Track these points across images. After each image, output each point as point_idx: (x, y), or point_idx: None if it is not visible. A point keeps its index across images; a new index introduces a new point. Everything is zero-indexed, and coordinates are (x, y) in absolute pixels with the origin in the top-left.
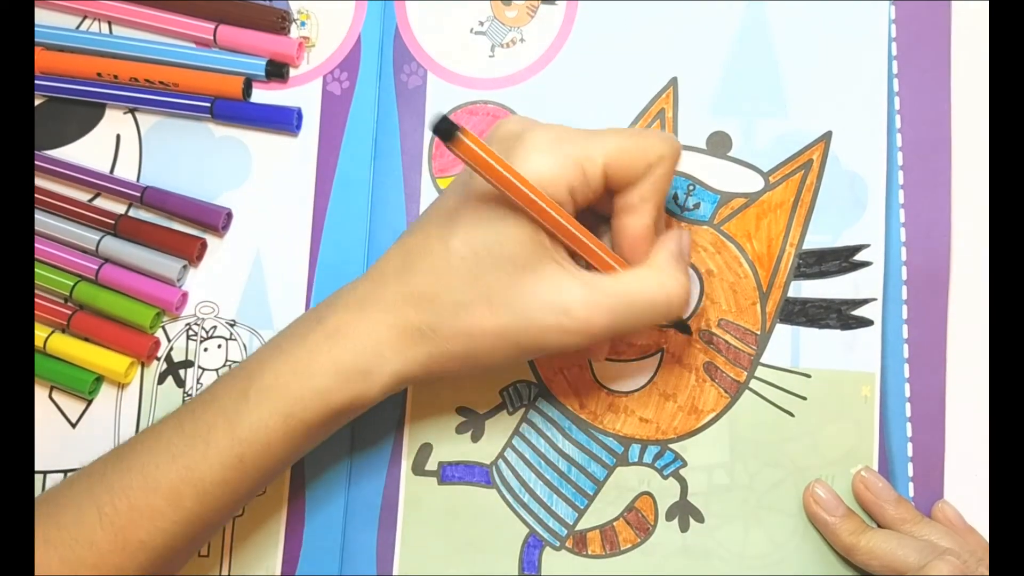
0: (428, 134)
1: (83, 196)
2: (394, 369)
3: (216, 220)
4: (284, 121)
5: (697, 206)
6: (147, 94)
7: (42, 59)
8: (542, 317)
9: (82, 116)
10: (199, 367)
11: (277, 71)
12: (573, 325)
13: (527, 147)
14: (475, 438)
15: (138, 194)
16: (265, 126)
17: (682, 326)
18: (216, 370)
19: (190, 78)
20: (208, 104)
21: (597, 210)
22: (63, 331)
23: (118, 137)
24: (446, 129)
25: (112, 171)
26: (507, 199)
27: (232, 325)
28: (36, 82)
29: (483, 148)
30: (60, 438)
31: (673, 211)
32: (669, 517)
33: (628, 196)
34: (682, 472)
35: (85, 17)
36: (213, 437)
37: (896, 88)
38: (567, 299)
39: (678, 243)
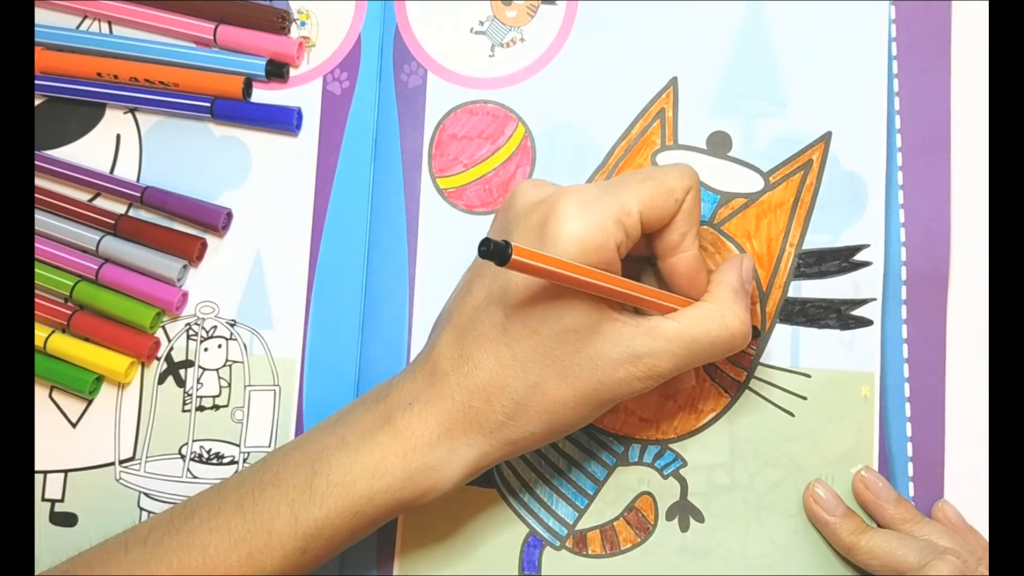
0: (428, 134)
1: (83, 196)
2: (468, 462)
3: (216, 220)
4: (284, 121)
5: None
6: (147, 94)
7: (42, 59)
8: (614, 373)
9: (82, 116)
10: (199, 367)
11: (277, 71)
12: (642, 372)
13: (563, 217)
14: None
15: (138, 194)
16: (265, 126)
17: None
18: (216, 370)
19: (190, 78)
20: (208, 104)
21: (632, 253)
22: (63, 331)
23: (118, 137)
24: (499, 254)
25: (112, 171)
26: None
27: (232, 325)
28: (36, 82)
29: (539, 259)
30: (60, 438)
31: None
32: (669, 517)
33: (668, 236)
34: (682, 472)
35: (85, 17)
36: (276, 527)
37: (896, 88)
38: (633, 352)
39: (738, 274)
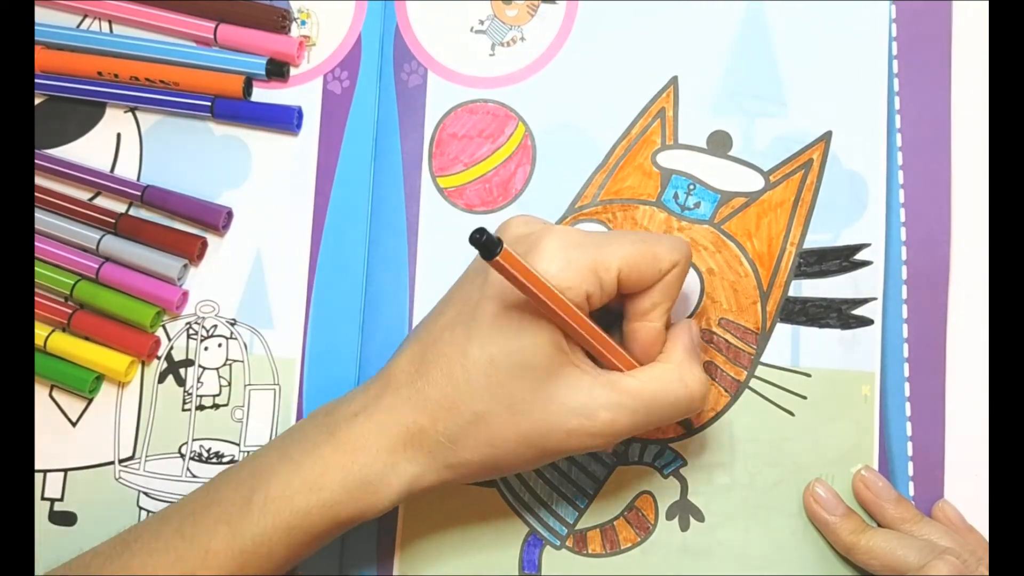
0: (428, 133)
1: (83, 195)
2: (406, 481)
3: (216, 219)
4: (284, 120)
5: (697, 205)
6: (147, 93)
7: (42, 58)
8: (566, 421)
9: (82, 115)
10: (199, 366)
11: (277, 70)
12: (597, 428)
13: (543, 253)
14: None
15: (138, 193)
16: (265, 125)
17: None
18: (216, 369)
19: (190, 77)
20: (208, 103)
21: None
22: (63, 330)
23: (118, 136)
24: (489, 246)
25: (112, 170)
26: (529, 306)
27: (233, 324)
28: (36, 81)
29: (522, 268)
30: (60, 437)
31: (673, 210)
32: (669, 516)
33: (641, 302)
34: (682, 471)
35: (85, 16)
36: (213, 546)
37: (896, 88)
38: (590, 403)
39: (689, 335)
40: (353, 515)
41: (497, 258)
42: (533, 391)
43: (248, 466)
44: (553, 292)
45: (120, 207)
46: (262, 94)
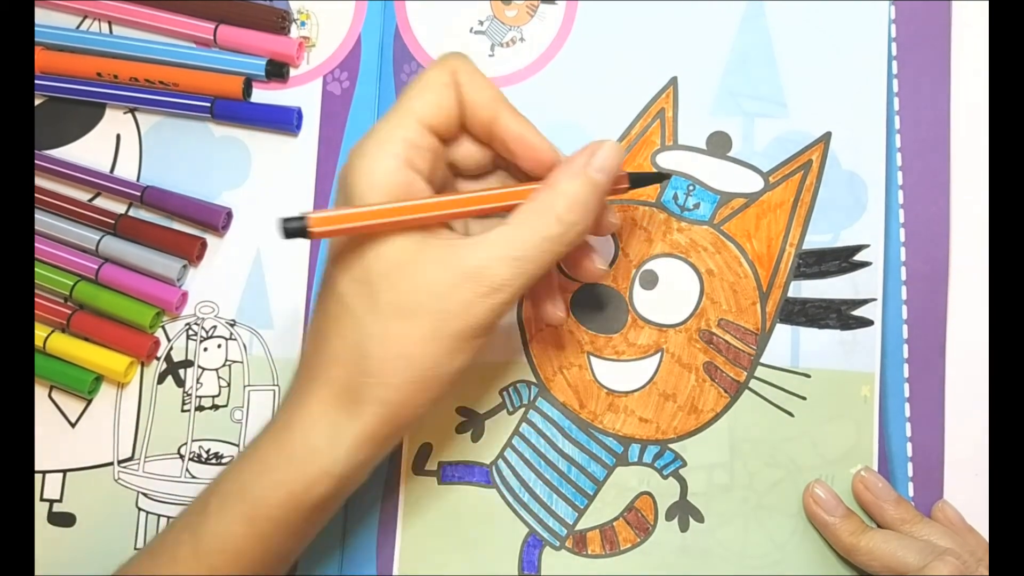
0: None
1: (83, 196)
2: (350, 436)
3: (216, 219)
4: (284, 121)
5: (697, 206)
6: (147, 94)
7: (42, 59)
8: (454, 296)
9: (82, 116)
10: (199, 367)
11: (277, 71)
12: (484, 288)
13: (352, 173)
14: (475, 438)
15: (138, 194)
16: (265, 126)
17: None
18: (216, 370)
19: (190, 78)
20: (208, 104)
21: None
22: (63, 331)
23: (118, 137)
24: (296, 229)
25: (112, 171)
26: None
27: (232, 325)
28: (36, 82)
29: (338, 218)
30: (60, 438)
31: (673, 211)
32: (669, 517)
33: (477, 118)
34: (682, 472)
35: (85, 17)
36: (180, 554)
37: (896, 88)
38: (466, 267)
39: (586, 155)
40: (309, 486)
41: (311, 230)
42: (411, 286)
43: (208, 484)
44: (384, 207)
45: (120, 208)
46: (262, 95)
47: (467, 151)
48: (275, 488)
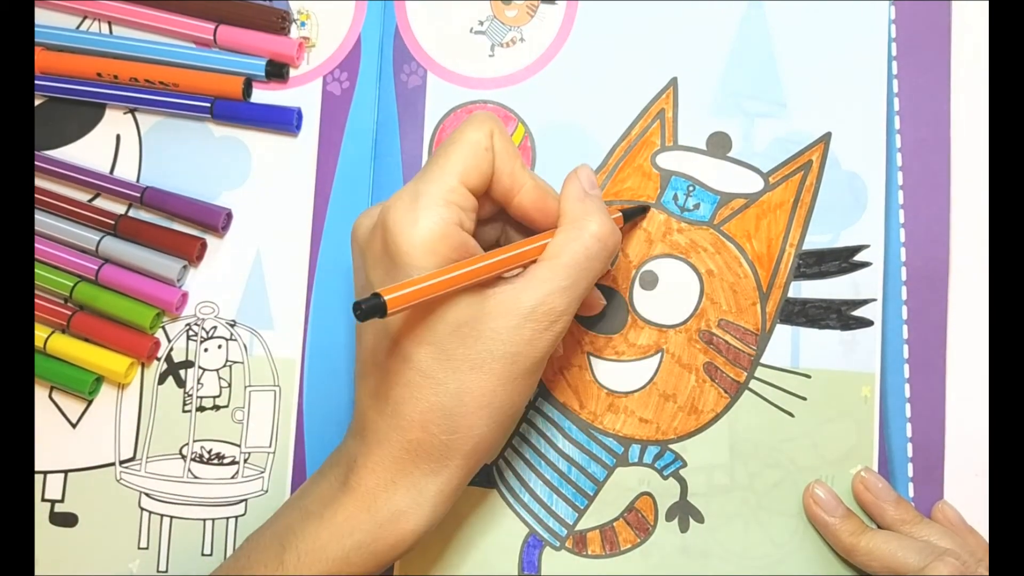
0: (428, 134)
1: (83, 196)
2: (432, 495)
3: (216, 220)
4: (284, 121)
5: (697, 207)
6: (147, 94)
7: (42, 59)
8: (519, 337)
9: (82, 116)
10: (199, 367)
11: (277, 71)
12: (544, 322)
13: (395, 231)
14: None
15: (138, 194)
16: (265, 126)
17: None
18: (216, 370)
19: (190, 78)
20: (208, 104)
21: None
22: (63, 331)
23: (118, 137)
24: (376, 309)
25: (112, 171)
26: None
27: (232, 325)
28: (36, 82)
29: (411, 294)
30: (60, 438)
31: (673, 212)
32: (669, 517)
33: (500, 184)
34: (682, 472)
35: (85, 17)
36: None
37: (896, 88)
38: (524, 308)
39: (577, 185)
40: (391, 547)
41: (390, 306)
42: (479, 339)
43: (270, 530)
44: (445, 275)
45: (120, 208)
46: (262, 95)
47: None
48: (358, 551)
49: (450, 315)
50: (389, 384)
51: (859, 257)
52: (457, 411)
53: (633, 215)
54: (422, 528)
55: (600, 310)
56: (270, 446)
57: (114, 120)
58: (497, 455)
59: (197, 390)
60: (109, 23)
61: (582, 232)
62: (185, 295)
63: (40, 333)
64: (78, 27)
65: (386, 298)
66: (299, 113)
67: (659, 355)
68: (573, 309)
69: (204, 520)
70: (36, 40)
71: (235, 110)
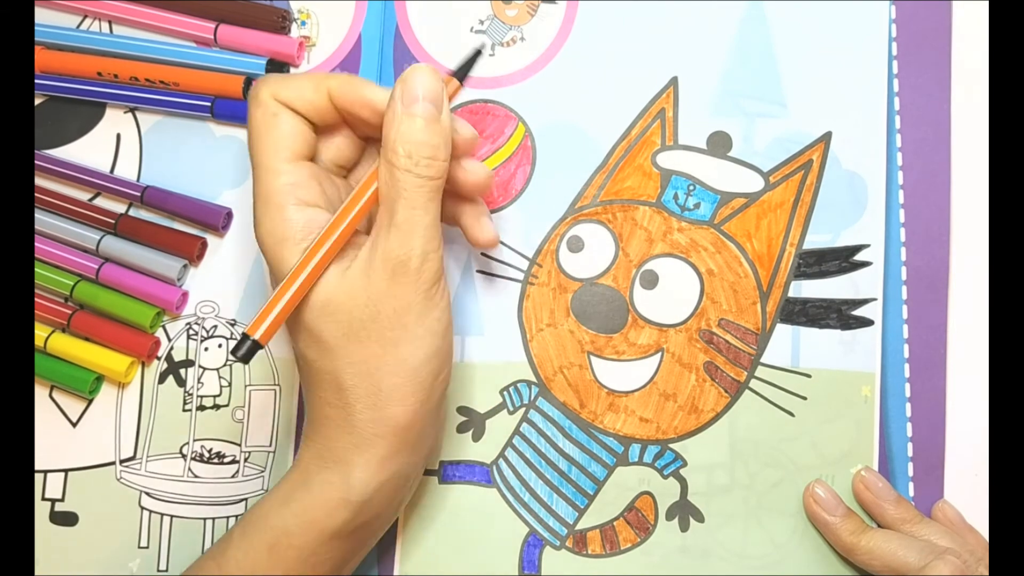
0: None
1: (83, 196)
2: (361, 463)
3: (216, 219)
4: None
5: (697, 206)
6: (147, 93)
7: (42, 58)
8: (390, 292)
9: (82, 115)
10: (200, 366)
11: (277, 71)
12: (407, 268)
13: (262, 225)
14: (476, 437)
15: (138, 193)
16: None
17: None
18: (217, 369)
19: (190, 77)
20: (208, 103)
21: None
22: (63, 330)
23: (118, 136)
24: (249, 349)
25: (112, 170)
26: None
27: (233, 324)
28: (36, 81)
29: (274, 318)
30: (60, 437)
31: (673, 211)
32: (669, 517)
33: (362, 117)
34: (682, 472)
35: (85, 16)
36: None
37: (896, 88)
38: (376, 268)
39: (397, 98)
40: (331, 519)
41: (262, 340)
42: (347, 317)
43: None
44: (289, 301)
45: (120, 207)
46: None
47: (336, 148)
48: (295, 517)
49: (315, 306)
50: (302, 380)
51: (859, 257)
52: (350, 384)
53: (465, 70)
54: (354, 497)
55: (485, 178)
56: (270, 445)
57: (114, 119)
58: (438, 436)
59: (197, 389)
60: (109, 22)
61: (384, 156)
62: (185, 294)
63: (40, 332)
64: (78, 26)
65: (256, 336)
66: None
67: (659, 354)
68: (423, 235)
69: (204, 519)
70: (36, 39)
71: (235, 109)
